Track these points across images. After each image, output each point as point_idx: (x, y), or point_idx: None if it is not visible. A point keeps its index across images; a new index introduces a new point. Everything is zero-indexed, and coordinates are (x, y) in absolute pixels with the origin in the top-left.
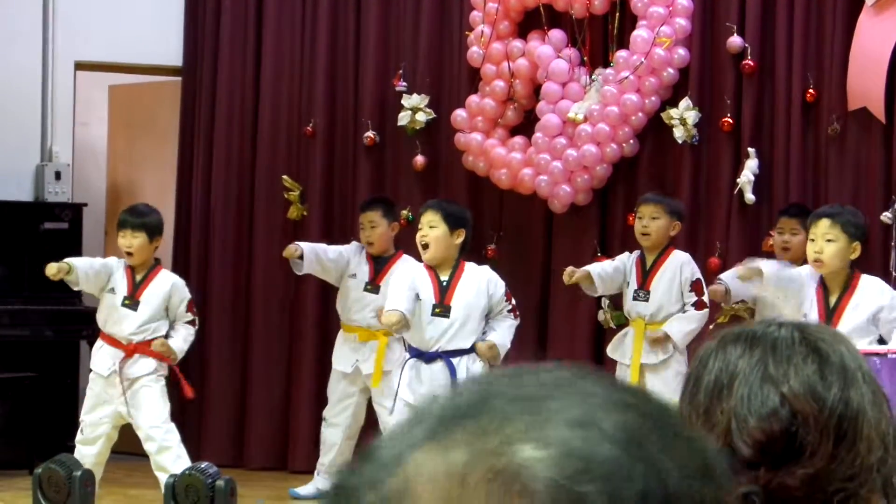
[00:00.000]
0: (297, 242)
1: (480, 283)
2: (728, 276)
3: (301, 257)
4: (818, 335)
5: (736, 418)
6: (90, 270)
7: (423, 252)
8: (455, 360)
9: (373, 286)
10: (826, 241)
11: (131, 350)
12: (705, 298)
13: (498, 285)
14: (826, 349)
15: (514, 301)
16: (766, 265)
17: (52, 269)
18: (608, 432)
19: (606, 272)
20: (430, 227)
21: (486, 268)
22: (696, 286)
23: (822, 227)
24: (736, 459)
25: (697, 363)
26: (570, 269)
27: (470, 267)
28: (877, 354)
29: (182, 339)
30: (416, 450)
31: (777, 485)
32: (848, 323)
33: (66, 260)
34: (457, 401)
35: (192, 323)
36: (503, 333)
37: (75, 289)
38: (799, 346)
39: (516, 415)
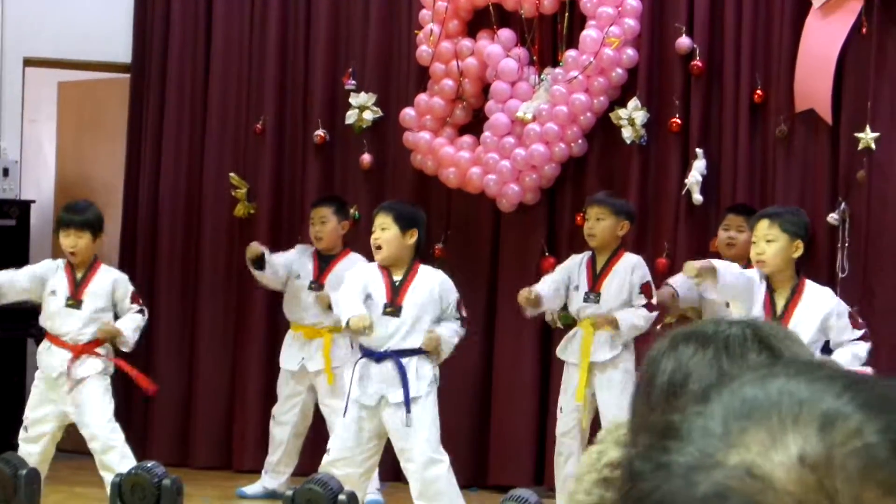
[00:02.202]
0: (259, 244)
1: (434, 287)
2: (677, 281)
3: (261, 259)
4: (770, 332)
5: None
6: (14, 287)
7: (376, 253)
8: (405, 360)
9: (317, 284)
10: (766, 241)
11: (79, 350)
12: (654, 301)
13: (451, 292)
14: (778, 346)
15: (464, 312)
16: (718, 263)
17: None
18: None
19: (551, 291)
20: (382, 229)
21: (439, 273)
22: (645, 289)
23: (762, 227)
24: None
25: (649, 364)
26: (524, 291)
27: (424, 269)
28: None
29: (131, 322)
30: (741, 443)
31: None
32: (795, 329)
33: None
34: (751, 396)
35: (140, 312)
36: (448, 332)
37: (1, 303)
38: (751, 343)
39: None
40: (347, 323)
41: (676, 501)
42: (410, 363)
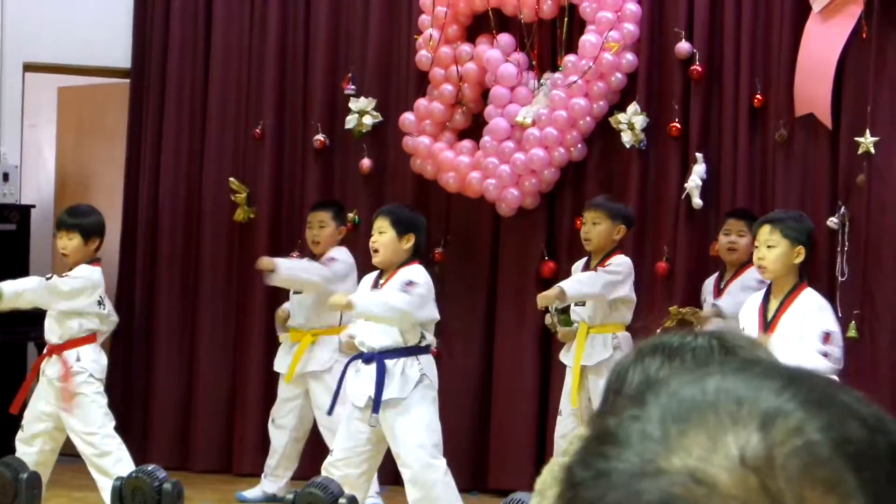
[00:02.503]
0: (271, 259)
1: (402, 280)
2: (726, 302)
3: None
4: (735, 342)
5: None
6: (27, 294)
7: (373, 256)
8: (391, 361)
9: None
10: (767, 247)
11: (50, 351)
12: (601, 270)
13: (409, 275)
14: (745, 356)
15: (411, 289)
16: (565, 284)
17: None
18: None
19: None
20: (380, 232)
21: (415, 266)
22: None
23: (764, 233)
24: None
25: (615, 377)
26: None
27: (405, 269)
28: None
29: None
30: (680, 446)
31: None
32: (782, 333)
33: (0, 284)
34: (688, 396)
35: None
36: (376, 295)
37: (1, 309)
38: (718, 355)
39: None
40: (342, 345)
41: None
42: (397, 364)
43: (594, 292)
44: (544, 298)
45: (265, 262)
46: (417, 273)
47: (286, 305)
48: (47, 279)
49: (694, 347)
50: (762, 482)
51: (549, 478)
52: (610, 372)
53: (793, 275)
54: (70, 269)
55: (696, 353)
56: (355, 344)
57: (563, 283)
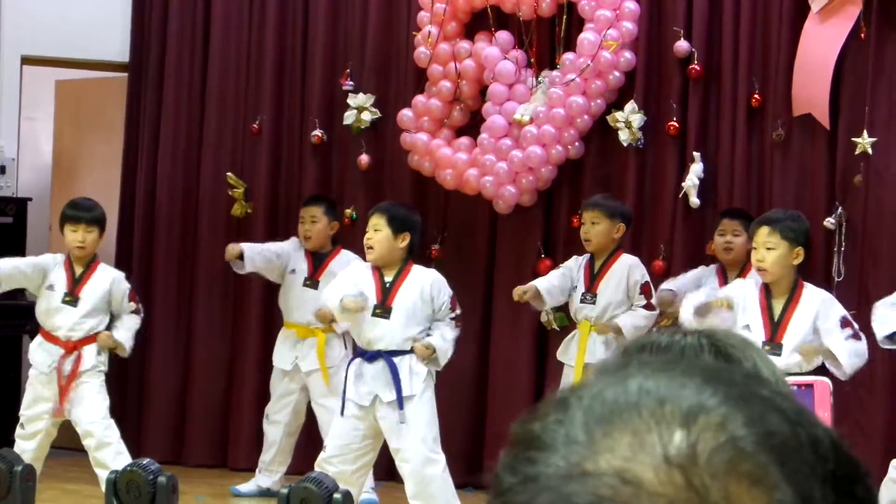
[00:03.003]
0: (235, 243)
1: (424, 286)
2: (678, 283)
3: (241, 257)
4: (727, 341)
5: None
6: (16, 273)
7: (368, 253)
8: (397, 360)
9: (312, 281)
10: (766, 249)
11: (71, 347)
12: (653, 301)
13: (442, 291)
14: (737, 356)
15: (458, 311)
16: (690, 302)
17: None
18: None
19: (553, 285)
20: (375, 230)
21: (432, 272)
22: (644, 289)
23: (762, 235)
24: None
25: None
26: (518, 288)
27: (416, 270)
28: None
29: (128, 330)
30: (607, 448)
31: None
32: (793, 334)
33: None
34: (611, 397)
35: (136, 312)
36: (443, 337)
37: None
38: (708, 354)
39: (667, 404)
40: (341, 307)
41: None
42: (403, 361)
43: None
44: (603, 330)
45: (230, 249)
46: (445, 289)
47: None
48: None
49: (683, 346)
50: (687, 478)
51: None
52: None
53: (792, 274)
54: (78, 263)
55: (685, 351)
56: (325, 313)
57: (627, 331)
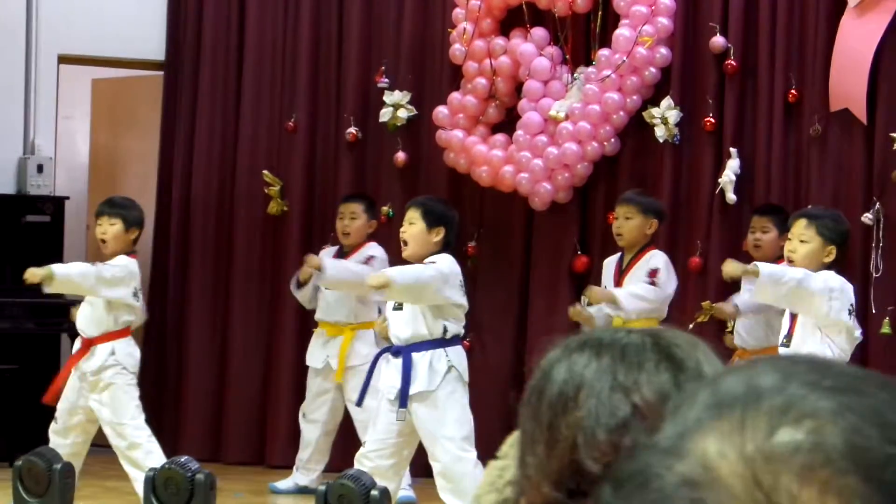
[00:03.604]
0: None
1: None
2: (742, 299)
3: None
4: (672, 341)
5: (583, 432)
6: (71, 280)
7: (403, 249)
8: (419, 354)
9: None
10: (800, 241)
11: (87, 344)
12: (659, 283)
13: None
14: (681, 355)
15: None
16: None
17: (28, 275)
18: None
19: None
20: (409, 223)
21: (445, 256)
22: (651, 273)
23: (799, 226)
24: (584, 478)
25: (540, 375)
26: (575, 308)
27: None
28: None
29: (78, 267)
30: (702, 438)
31: None
32: (801, 324)
33: (50, 266)
34: (725, 390)
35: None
36: (410, 269)
37: (50, 291)
38: (651, 353)
39: (793, 402)
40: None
41: (650, 480)
42: (424, 357)
43: (648, 310)
44: (595, 296)
45: (314, 260)
46: (441, 258)
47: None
48: (93, 264)
49: (626, 344)
50: (756, 475)
51: (486, 483)
52: (536, 368)
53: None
54: (109, 258)
55: (626, 349)
56: (385, 327)
57: (620, 294)
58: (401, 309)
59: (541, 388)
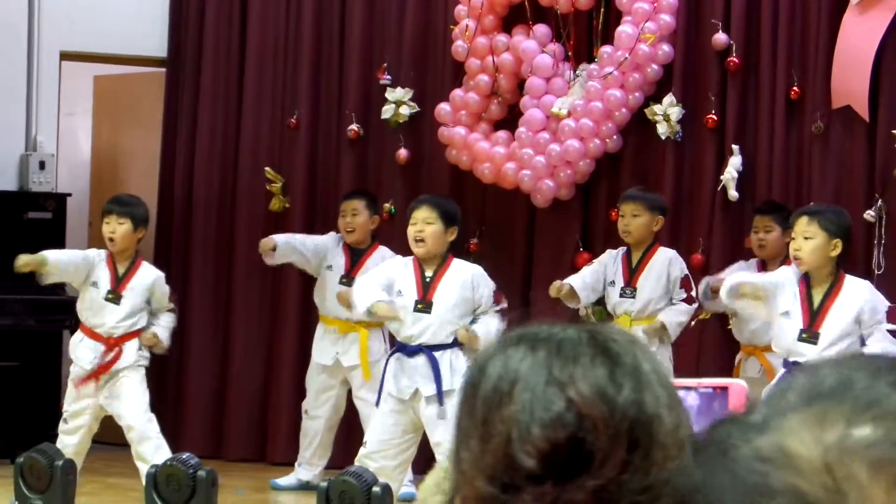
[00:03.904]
0: (271, 236)
1: (465, 280)
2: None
3: (274, 249)
4: (608, 336)
5: (517, 427)
6: (69, 265)
7: (417, 246)
8: (438, 354)
9: (348, 279)
10: (804, 238)
11: (112, 344)
12: (693, 294)
13: (484, 284)
14: (617, 350)
15: (504, 304)
16: (729, 280)
17: (21, 262)
18: None
19: (585, 283)
20: (427, 223)
21: (474, 266)
22: (685, 283)
23: (801, 224)
24: (518, 473)
25: (476, 370)
26: (555, 284)
27: (456, 263)
28: (685, 388)
29: (166, 328)
30: (787, 421)
31: (565, 501)
32: (832, 325)
33: (42, 252)
34: (819, 381)
35: (172, 311)
36: (487, 326)
37: (47, 282)
38: (587, 347)
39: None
40: (369, 311)
41: (728, 450)
42: (444, 356)
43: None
44: (653, 331)
45: (264, 243)
46: (489, 282)
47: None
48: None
49: (562, 338)
50: (828, 465)
51: (432, 484)
52: (472, 364)
53: (830, 266)
54: (120, 259)
55: (562, 344)
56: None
57: (672, 330)
58: (427, 312)
59: (476, 384)
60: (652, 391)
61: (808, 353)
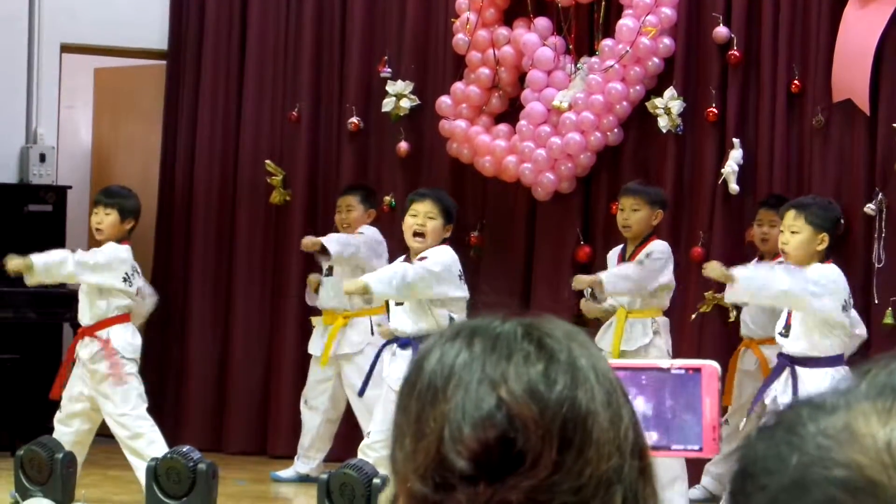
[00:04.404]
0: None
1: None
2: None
3: (323, 250)
4: (546, 331)
5: (449, 426)
6: (57, 267)
7: (415, 239)
8: None
9: (328, 270)
10: (791, 232)
11: (82, 333)
12: (646, 261)
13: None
14: (553, 345)
15: (436, 268)
16: (604, 276)
17: (10, 266)
18: None
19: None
20: (429, 217)
21: (444, 248)
22: (645, 255)
23: (788, 218)
24: (451, 473)
25: (413, 365)
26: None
27: (432, 251)
28: (658, 369)
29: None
30: (857, 405)
31: (498, 501)
32: (798, 317)
33: (30, 256)
34: (891, 375)
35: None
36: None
37: (31, 283)
38: (522, 343)
39: None
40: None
41: (795, 427)
42: None
43: (632, 289)
44: (580, 281)
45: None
46: (436, 252)
47: (317, 277)
48: (73, 252)
49: (499, 333)
50: (890, 445)
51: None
52: (412, 360)
53: (816, 259)
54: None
55: (498, 339)
56: (388, 330)
57: (604, 275)
58: (402, 304)
59: (413, 380)
60: (587, 388)
61: (784, 345)
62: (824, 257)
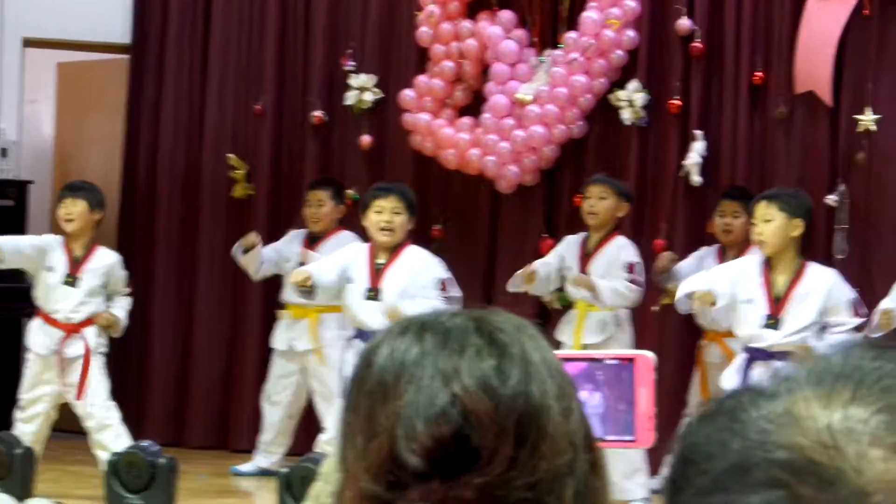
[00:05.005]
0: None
1: (416, 266)
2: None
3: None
4: (496, 325)
5: (402, 423)
6: (23, 249)
7: (383, 234)
8: None
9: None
10: (764, 221)
11: (70, 329)
12: (639, 279)
13: (430, 271)
14: (505, 340)
15: (454, 292)
16: (685, 285)
17: None
18: None
19: (542, 274)
20: (395, 213)
21: (426, 253)
22: (630, 268)
23: (760, 209)
24: (404, 471)
25: (362, 361)
26: (522, 271)
27: (410, 251)
28: (592, 360)
29: (122, 309)
30: (798, 391)
31: (453, 498)
32: (796, 312)
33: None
34: (830, 364)
35: (129, 295)
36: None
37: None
38: (473, 337)
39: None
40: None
41: (738, 413)
42: None
43: (626, 305)
44: (582, 281)
45: (251, 237)
46: (448, 277)
47: (256, 237)
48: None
49: (449, 328)
50: (831, 425)
51: (333, 462)
52: (359, 355)
53: (793, 250)
54: (76, 244)
55: (449, 334)
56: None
57: (603, 289)
58: (376, 299)
59: (361, 376)
60: (540, 382)
61: (770, 339)
62: (799, 250)
